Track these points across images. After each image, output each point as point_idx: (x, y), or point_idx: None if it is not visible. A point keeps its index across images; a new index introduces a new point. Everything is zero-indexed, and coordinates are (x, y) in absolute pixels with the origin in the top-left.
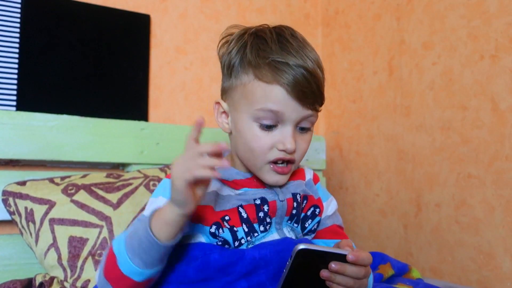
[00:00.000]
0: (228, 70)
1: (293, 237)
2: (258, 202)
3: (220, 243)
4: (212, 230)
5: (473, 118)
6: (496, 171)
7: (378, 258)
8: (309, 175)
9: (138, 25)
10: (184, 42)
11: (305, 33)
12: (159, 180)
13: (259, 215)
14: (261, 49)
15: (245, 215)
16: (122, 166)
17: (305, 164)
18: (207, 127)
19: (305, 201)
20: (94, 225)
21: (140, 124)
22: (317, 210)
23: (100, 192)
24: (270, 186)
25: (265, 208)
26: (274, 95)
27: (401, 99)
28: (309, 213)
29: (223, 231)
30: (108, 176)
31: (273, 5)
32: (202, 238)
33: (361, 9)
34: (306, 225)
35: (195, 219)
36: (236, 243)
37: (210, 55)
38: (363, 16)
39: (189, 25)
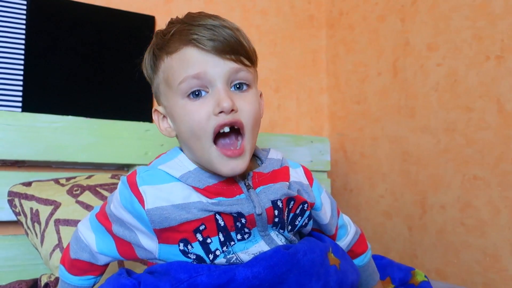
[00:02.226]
0: (149, 73)
1: (283, 240)
2: (235, 214)
3: (195, 261)
4: (181, 247)
5: (478, 120)
6: (502, 172)
7: (378, 272)
8: (294, 173)
9: (142, 27)
10: None
11: (309, 34)
12: None
13: (237, 224)
14: (166, 31)
15: (222, 223)
16: (126, 167)
17: (310, 165)
18: None
19: (292, 202)
20: None
21: (145, 125)
22: (305, 205)
23: (105, 193)
24: (248, 191)
25: (242, 220)
26: (188, 58)
27: (406, 101)
28: (298, 211)
29: (192, 247)
30: (113, 177)
31: (276, 6)
32: (176, 259)
33: (365, 10)
34: (296, 222)
35: (162, 240)
36: (211, 256)
37: None
38: (367, 17)
39: None
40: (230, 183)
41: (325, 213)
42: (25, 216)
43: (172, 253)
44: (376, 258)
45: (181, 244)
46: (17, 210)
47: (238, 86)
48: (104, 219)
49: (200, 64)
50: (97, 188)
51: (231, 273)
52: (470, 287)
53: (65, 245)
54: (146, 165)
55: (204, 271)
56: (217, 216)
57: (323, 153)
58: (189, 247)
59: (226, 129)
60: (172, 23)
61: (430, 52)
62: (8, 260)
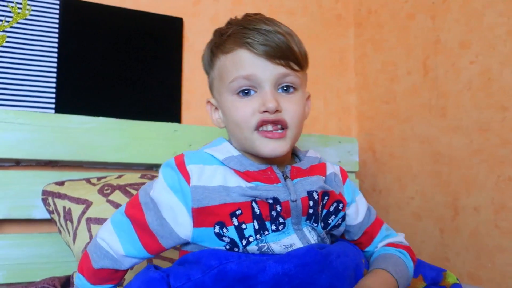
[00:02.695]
0: (206, 67)
1: (315, 237)
2: (270, 201)
3: (228, 246)
4: (216, 230)
5: None
6: None
7: None
8: (332, 169)
9: (171, 29)
10: None
11: (337, 34)
12: None
13: (272, 213)
14: (223, 31)
15: (258, 211)
16: (155, 167)
17: (338, 165)
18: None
19: (326, 197)
20: None
21: (173, 126)
22: (340, 205)
23: (135, 193)
24: (285, 181)
25: (278, 208)
26: (240, 60)
27: (437, 100)
28: (332, 209)
29: (227, 230)
30: (142, 177)
31: (304, 6)
32: (207, 243)
33: (394, 8)
34: (329, 221)
35: (198, 223)
36: (244, 242)
37: None
38: (396, 15)
39: None
40: (268, 172)
41: (357, 213)
42: (58, 214)
43: (207, 235)
44: None
45: (217, 227)
46: (50, 209)
47: (285, 88)
48: (135, 211)
49: (251, 66)
50: (127, 188)
51: (261, 265)
52: None
53: None
54: None
55: (235, 259)
56: (253, 204)
57: (352, 153)
58: (224, 230)
59: (269, 127)
60: (230, 23)
61: (462, 49)
62: (42, 257)
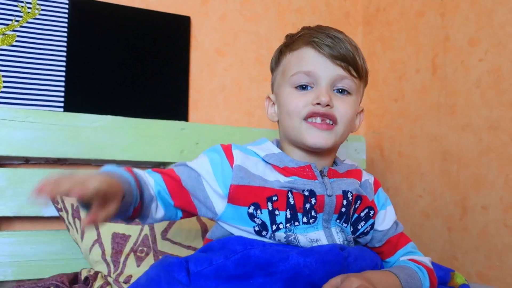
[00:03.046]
0: (273, 65)
1: (342, 239)
2: (306, 193)
3: (257, 227)
4: (250, 210)
5: None
6: None
7: None
8: (366, 177)
9: (178, 27)
10: (223, 44)
11: (346, 32)
12: None
13: (305, 206)
14: (295, 34)
15: (292, 201)
16: (163, 165)
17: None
18: (247, 127)
19: (359, 202)
20: (136, 222)
21: (180, 124)
22: (371, 212)
23: None
24: (322, 179)
25: (312, 201)
26: (304, 57)
27: (446, 98)
28: (362, 214)
29: (261, 213)
30: None
31: (312, 5)
32: (237, 221)
33: (403, 6)
34: (359, 227)
35: (233, 200)
36: (274, 227)
37: (249, 57)
38: (405, 13)
39: (228, 27)
40: (307, 170)
41: (384, 220)
42: (67, 212)
43: (238, 214)
44: None
45: (252, 207)
46: (59, 206)
47: (340, 90)
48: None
49: (313, 63)
50: None
51: (284, 254)
52: None
53: (104, 241)
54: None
55: (259, 246)
56: (289, 194)
57: (359, 151)
58: (258, 212)
59: (318, 120)
60: (302, 29)
61: (472, 47)
62: (51, 254)
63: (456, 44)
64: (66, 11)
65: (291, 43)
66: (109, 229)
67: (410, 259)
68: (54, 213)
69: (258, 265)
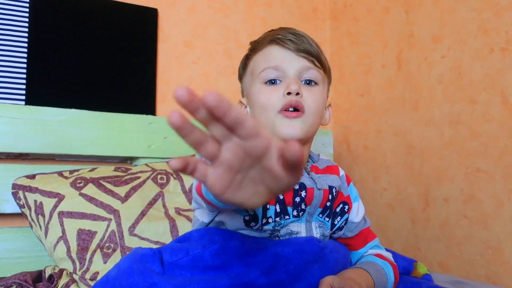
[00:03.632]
0: (240, 72)
1: (319, 235)
2: (296, 187)
3: (248, 217)
4: None
5: (482, 112)
6: (505, 165)
7: None
8: (342, 172)
9: (146, 20)
10: (192, 36)
11: (313, 27)
12: (167, 174)
13: (295, 199)
14: (257, 39)
15: (281, 196)
16: (130, 160)
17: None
18: None
19: (336, 197)
20: (103, 218)
21: (148, 118)
22: (346, 207)
23: (109, 186)
24: (309, 175)
25: (303, 194)
26: (271, 53)
27: (410, 93)
28: (338, 209)
29: None
30: (116, 169)
31: None
32: (229, 210)
33: (369, 2)
34: (335, 222)
35: None
36: (264, 220)
37: (217, 50)
38: (372, 9)
39: (197, 20)
40: None
41: (357, 212)
42: (29, 208)
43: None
44: None
45: None
46: (21, 203)
47: (308, 82)
48: None
49: (279, 58)
50: (100, 181)
51: (263, 245)
52: (473, 279)
53: (69, 238)
54: (149, 158)
55: (238, 237)
56: None
57: (326, 145)
58: None
59: (291, 109)
60: (266, 32)
61: (435, 44)
62: (14, 252)
63: (420, 40)
64: (27, 0)
65: (256, 46)
66: (74, 226)
67: (376, 254)
68: (16, 209)
69: (236, 255)
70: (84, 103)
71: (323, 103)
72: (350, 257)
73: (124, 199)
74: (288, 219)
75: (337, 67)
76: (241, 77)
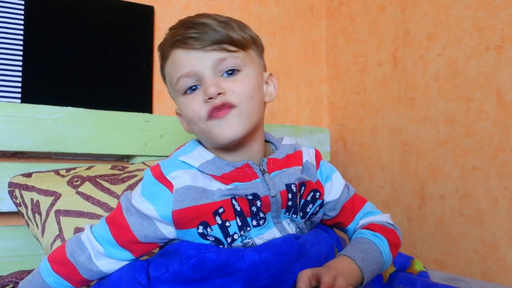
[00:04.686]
0: (163, 79)
1: (294, 229)
2: (250, 197)
3: (213, 243)
4: (200, 230)
5: (477, 110)
6: (501, 163)
7: None
8: (307, 157)
9: (141, 17)
10: None
11: (309, 24)
12: None
13: (252, 209)
14: (161, 42)
15: (238, 208)
16: (126, 158)
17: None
18: None
19: (303, 188)
20: (99, 216)
21: (145, 116)
22: (317, 194)
23: (105, 184)
24: (263, 176)
25: (258, 203)
26: (177, 60)
27: (405, 91)
28: (309, 198)
29: (211, 230)
30: (113, 168)
31: None
32: (193, 240)
33: (365, 0)
34: (308, 209)
35: (180, 225)
36: (229, 239)
37: None
38: (368, 7)
39: None
40: (245, 169)
41: (331, 191)
42: (26, 207)
43: (190, 235)
44: None
45: (201, 227)
46: (17, 201)
47: (230, 72)
48: (116, 214)
49: (187, 62)
50: (97, 179)
51: (239, 254)
52: (468, 277)
53: (66, 236)
54: (146, 156)
55: (213, 248)
56: (233, 201)
57: (323, 143)
58: (209, 229)
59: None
60: (168, 30)
61: (430, 42)
62: (10, 250)
63: (415, 38)
64: None
65: (162, 52)
66: (71, 224)
67: (366, 226)
68: (12, 208)
69: (214, 268)
70: (80, 101)
71: (255, 85)
72: (337, 242)
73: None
74: (250, 230)
75: (332, 65)
76: (166, 85)
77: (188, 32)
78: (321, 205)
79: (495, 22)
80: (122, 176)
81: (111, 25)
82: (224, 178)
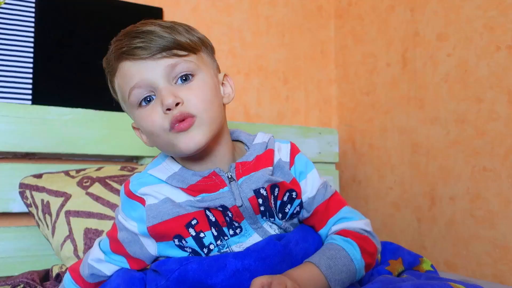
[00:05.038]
0: (115, 98)
1: (277, 231)
2: (220, 209)
3: (191, 254)
4: (176, 243)
5: (488, 111)
6: None
7: (390, 253)
8: (279, 155)
9: (150, 18)
10: None
11: (318, 25)
12: None
13: (226, 219)
14: (106, 56)
15: (213, 219)
16: (135, 159)
17: (318, 157)
18: None
19: (276, 189)
20: (109, 217)
21: None
22: (293, 193)
23: (115, 185)
24: (229, 184)
25: (229, 214)
26: (126, 73)
27: (415, 92)
28: (285, 198)
29: (186, 242)
30: (122, 169)
31: None
32: (173, 253)
33: (374, 0)
34: (286, 210)
35: (157, 238)
36: (205, 250)
37: (222, 49)
38: (377, 7)
39: (201, 19)
40: (213, 178)
41: (305, 188)
42: (36, 207)
43: (170, 246)
44: (385, 243)
45: (176, 240)
46: (28, 202)
47: (184, 78)
48: (111, 231)
49: (136, 73)
50: (106, 180)
51: (221, 263)
52: (479, 279)
53: (76, 237)
54: (153, 157)
55: (195, 260)
56: (207, 212)
57: (332, 144)
58: (184, 242)
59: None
60: (112, 43)
61: (440, 42)
62: (21, 250)
63: (425, 38)
64: (33, 0)
65: (109, 67)
66: (81, 225)
67: (341, 231)
68: (23, 208)
69: (197, 279)
70: (90, 102)
71: (211, 90)
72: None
73: None
74: (228, 239)
75: (341, 65)
76: (118, 101)
77: (134, 42)
78: (301, 204)
79: (506, 22)
80: None
81: (121, 27)
82: (191, 190)
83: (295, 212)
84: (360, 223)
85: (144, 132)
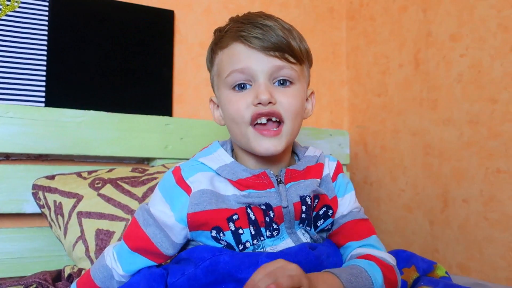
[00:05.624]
0: (208, 65)
1: (308, 239)
2: (263, 207)
3: (225, 248)
4: (213, 234)
5: (502, 112)
6: None
7: (403, 261)
8: (328, 170)
9: (162, 21)
10: (208, 38)
11: (330, 26)
12: None
13: (266, 219)
14: (222, 29)
15: (253, 217)
16: (147, 160)
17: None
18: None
19: (316, 200)
20: (120, 219)
21: (165, 119)
22: (330, 211)
23: (126, 186)
24: (278, 186)
25: (271, 214)
26: (235, 54)
27: (428, 93)
28: (321, 212)
29: (224, 235)
30: (133, 170)
31: None
32: (206, 242)
33: (386, 1)
34: (318, 224)
35: (194, 227)
36: (241, 247)
37: None
38: (389, 8)
39: (212, 21)
40: (262, 177)
41: (340, 206)
42: (49, 208)
43: (205, 236)
44: (398, 251)
45: (214, 231)
46: (41, 203)
47: (282, 82)
48: (135, 233)
49: (245, 59)
50: (118, 181)
51: (253, 259)
52: (493, 282)
53: (87, 237)
54: (166, 158)
55: (228, 252)
56: (248, 210)
57: (343, 146)
58: (221, 234)
59: (263, 120)
60: (229, 21)
61: (454, 42)
62: (34, 251)
63: (438, 39)
64: (47, 3)
65: (220, 40)
66: (93, 225)
67: (362, 256)
68: (36, 209)
69: (227, 271)
70: (102, 104)
71: (301, 102)
72: None
73: (141, 199)
74: (263, 240)
75: (353, 67)
76: (209, 70)
77: (254, 31)
78: (332, 223)
79: None
80: (143, 178)
81: (133, 30)
82: (239, 184)
83: (325, 228)
84: (386, 255)
85: (224, 113)
